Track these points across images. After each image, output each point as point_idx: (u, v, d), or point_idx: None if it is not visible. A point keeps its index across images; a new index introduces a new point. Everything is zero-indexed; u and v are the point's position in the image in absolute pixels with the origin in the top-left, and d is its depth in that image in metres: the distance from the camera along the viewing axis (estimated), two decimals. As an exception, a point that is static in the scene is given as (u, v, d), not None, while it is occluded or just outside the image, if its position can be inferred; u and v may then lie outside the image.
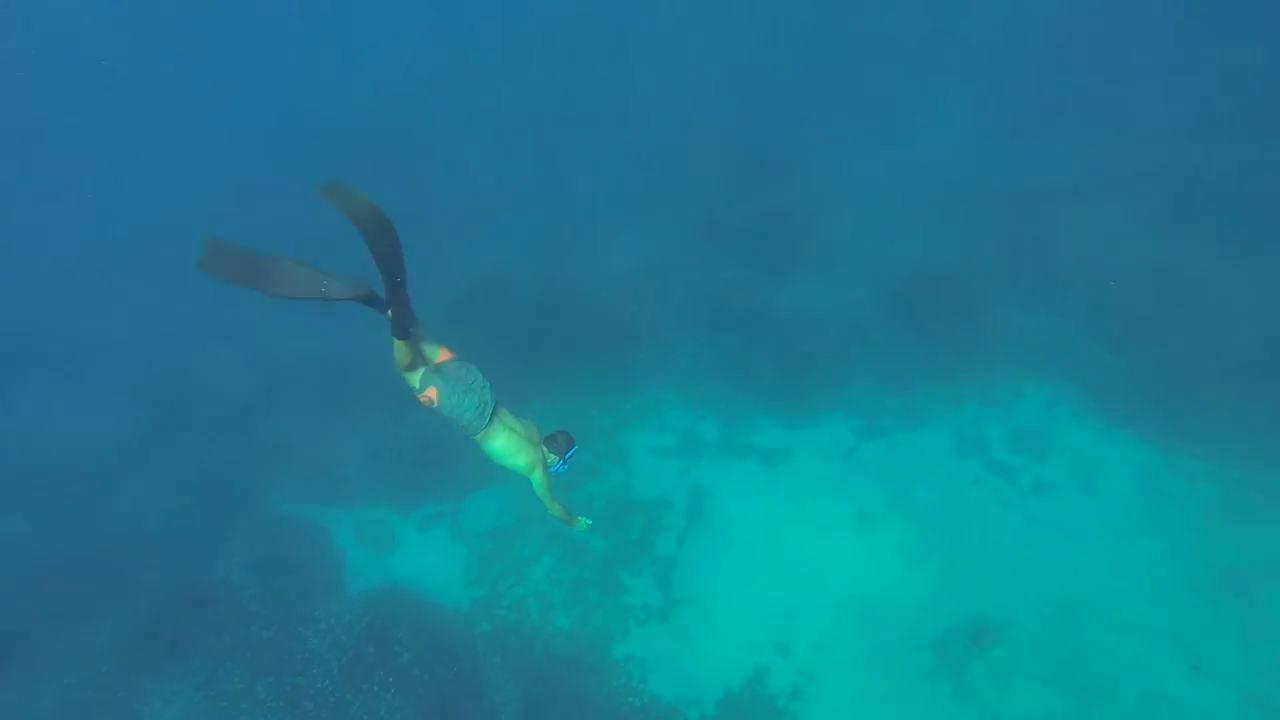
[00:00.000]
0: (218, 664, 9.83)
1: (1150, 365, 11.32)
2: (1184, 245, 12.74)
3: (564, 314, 13.94)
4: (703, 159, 17.58)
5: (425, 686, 9.27)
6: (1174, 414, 10.68)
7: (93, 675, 9.99)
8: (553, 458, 5.87)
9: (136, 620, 10.49)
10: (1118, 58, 17.08)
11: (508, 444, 5.63)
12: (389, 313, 5.02)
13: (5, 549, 12.03)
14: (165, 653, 10.07)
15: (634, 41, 23.17)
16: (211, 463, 13.15)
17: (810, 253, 14.61)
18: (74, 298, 18.33)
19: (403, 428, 12.63)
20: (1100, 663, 8.62)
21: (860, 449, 11.57)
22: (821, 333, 12.74)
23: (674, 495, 11.60)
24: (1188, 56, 16.42)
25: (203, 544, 11.61)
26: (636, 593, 10.50)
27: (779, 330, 13.02)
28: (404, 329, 5.08)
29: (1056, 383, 11.63)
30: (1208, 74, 15.87)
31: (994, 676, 8.66)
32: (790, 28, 22.19)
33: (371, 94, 24.64)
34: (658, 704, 9.26)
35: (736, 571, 10.43)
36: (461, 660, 9.64)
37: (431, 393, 5.30)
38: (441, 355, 5.50)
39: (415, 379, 5.33)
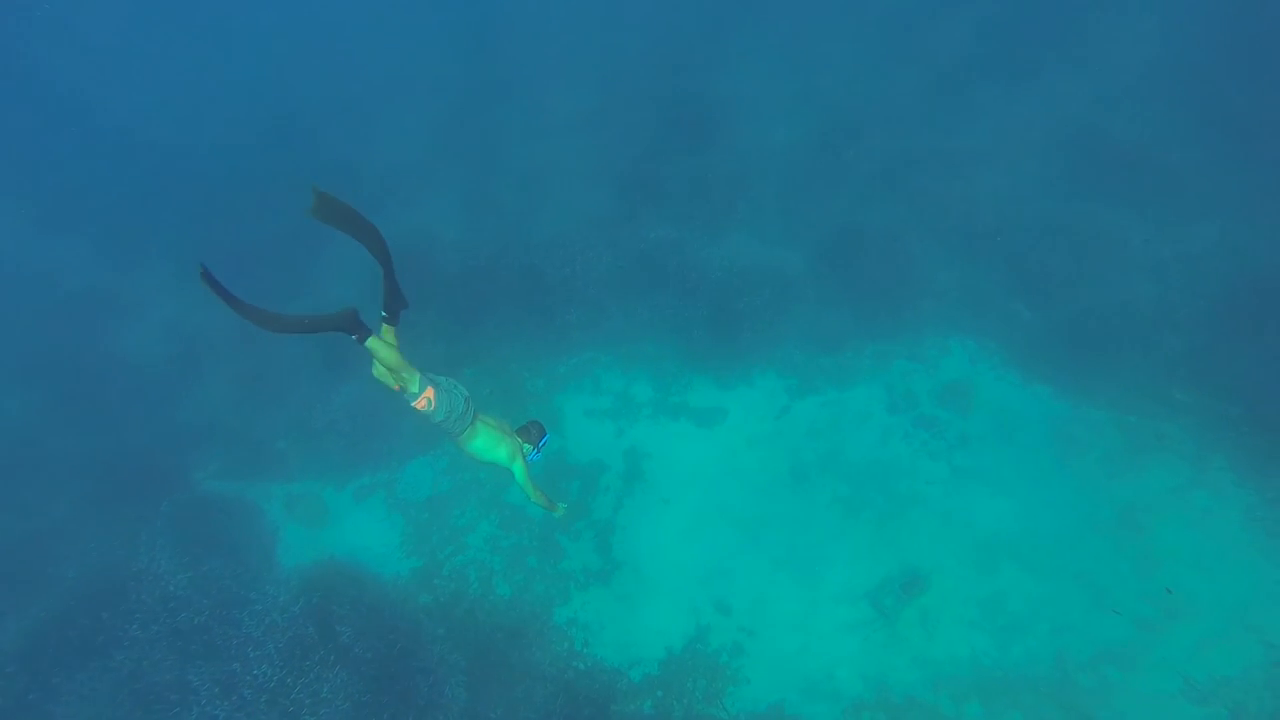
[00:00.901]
0: (143, 655, 9.13)
1: (1061, 320, 11.70)
2: (1090, 206, 13.18)
3: (492, 277, 13.36)
4: (630, 121, 17.08)
5: (368, 664, 8.87)
6: (1081, 367, 11.12)
7: (-4, 677, 9.19)
8: (528, 447, 6.18)
9: (46, 616, 9.59)
10: (1032, 27, 17.19)
11: (488, 440, 5.97)
12: (383, 305, 5.37)
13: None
14: (80, 648, 9.29)
15: (559, 2, 22.15)
16: (124, 443, 12.19)
17: (741, 213, 14.42)
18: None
19: (334, 399, 11.98)
20: (1017, 602, 8.99)
21: (793, 407, 11.62)
22: (753, 292, 12.58)
23: (610, 457, 11.42)
24: (1097, 26, 16.72)
25: (119, 530, 10.73)
26: (576, 557, 10.34)
27: (711, 290, 12.78)
28: (395, 313, 5.42)
29: (979, 338, 11.94)
30: (1116, 44, 16.23)
31: (923, 622, 8.92)
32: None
33: (291, 50, 23.00)
34: (601, 667, 9.19)
35: (675, 532, 10.37)
36: (404, 635, 9.26)
37: (430, 393, 5.58)
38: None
39: (414, 383, 5.54)
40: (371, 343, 5.19)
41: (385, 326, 5.43)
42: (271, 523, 11.22)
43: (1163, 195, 13.20)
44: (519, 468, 6.11)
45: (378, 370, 5.51)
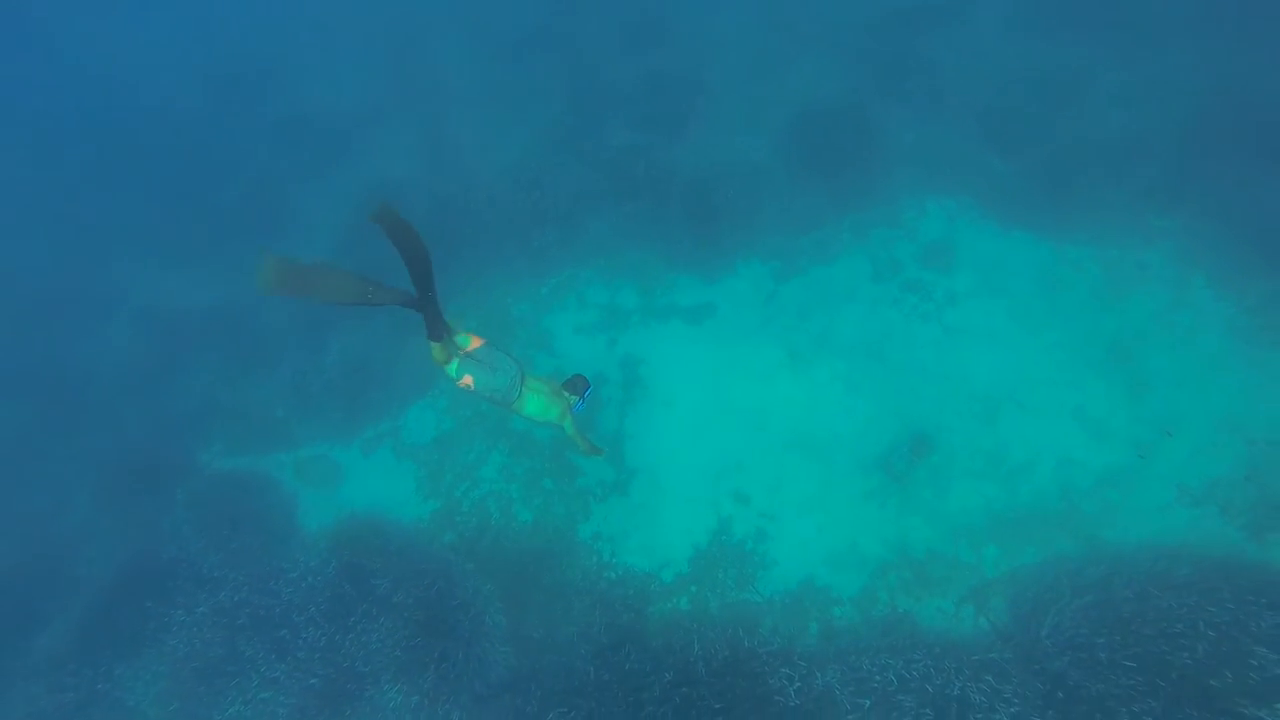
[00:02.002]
0: (194, 635, 9.10)
1: (1034, 164, 11.23)
2: (1052, 45, 12.54)
3: (463, 211, 12.66)
4: (576, 30, 15.94)
5: (410, 609, 8.86)
6: (1058, 208, 10.74)
7: (60, 677, 9.08)
8: (574, 399, 6.59)
9: (89, 615, 9.50)
10: None
11: (538, 403, 6.36)
12: (425, 319, 5.66)
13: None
14: (132, 638, 9.24)
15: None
16: (125, 439, 11.77)
17: (701, 107, 13.57)
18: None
19: (324, 359, 11.52)
20: (1020, 447, 9.01)
21: (780, 291, 11.26)
22: (725, 184, 11.98)
23: (607, 369, 11.11)
24: None
25: (141, 523, 10.49)
26: (590, 472, 10.16)
27: (682, 188, 12.17)
28: (438, 334, 5.75)
29: (955, 195, 11.45)
30: None
31: (934, 481, 8.95)
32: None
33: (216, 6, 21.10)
34: (632, 573, 9.21)
35: (682, 432, 10.19)
36: (437, 576, 9.21)
37: (468, 380, 5.95)
38: (474, 343, 6.09)
39: (452, 369, 5.95)
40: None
41: (432, 344, 5.85)
42: (288, 490, 10.93)
43: (1123, 24, 12.50)
44: (569, 423, 6.56)
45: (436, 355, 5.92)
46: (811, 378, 10.26)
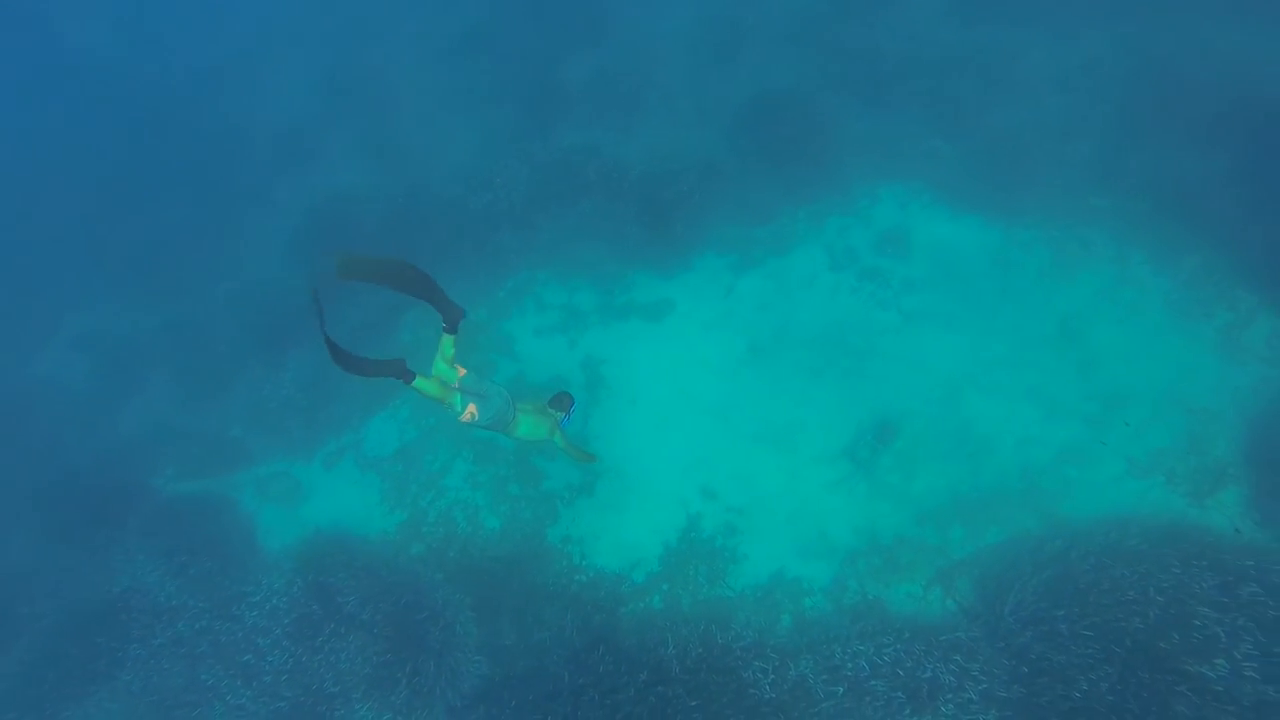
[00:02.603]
0: (150, 669, 8.93)
1: (979, 148, 11.50)
2: (988, 30, 12.88)
3: (413, 219, 12.58)
4: (517, 30, 15.86)
5: (379, 625, 8.79)
6: (1005, 190, 11.02)
7: (0, 721, 8.85)
8: (560, 415, 7.04)
9: (33, 656, 9.18)
10: None
11: (529, 424, 6.78)
12: (442, 322, 6.05)
13: None
14: (81, 676, 8.95)
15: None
16: (71, 469, 11.41)
17: (649, 102, 13.65)
18: None
19: (282, 375, 11.38)
20: (982, 426, 9.28)
21: (738, 284, 11.39)
22: (677, 178, 12.03)
23: (569, 370, 11.15)
24: None
25: (90, 555, 10.20)
26: (556, 475, 10.20)
27: (634, 185, 12.22)
28: (454, 323, 6.11)
29: (905, 181, 11.67)
30: None
31: (900, 466, 9.17)
32: None
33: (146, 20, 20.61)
34: (603, 575, 9.27)
35: (648, 430, 10.27)
36: (405, 589, 9.17)
37: (472, 409, 6.24)
38: (460, 373, 6.34)
39: (456, 402, 6.24)
40: (418, 383, 5.96)
41: (446, 336, 6.11)
42: (248, 511, 10.76)
43: (1051, 9, 12.89)
44: (558, 439, 7.07)
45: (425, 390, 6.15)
46: (774, 369, 10.41)
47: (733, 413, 10.18)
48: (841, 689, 7.27)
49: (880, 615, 8.13)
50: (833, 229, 11.52)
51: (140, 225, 15.06)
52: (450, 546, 9.84)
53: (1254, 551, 7.20)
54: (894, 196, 11.62)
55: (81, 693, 8.93)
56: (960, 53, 12.53)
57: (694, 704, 7.31)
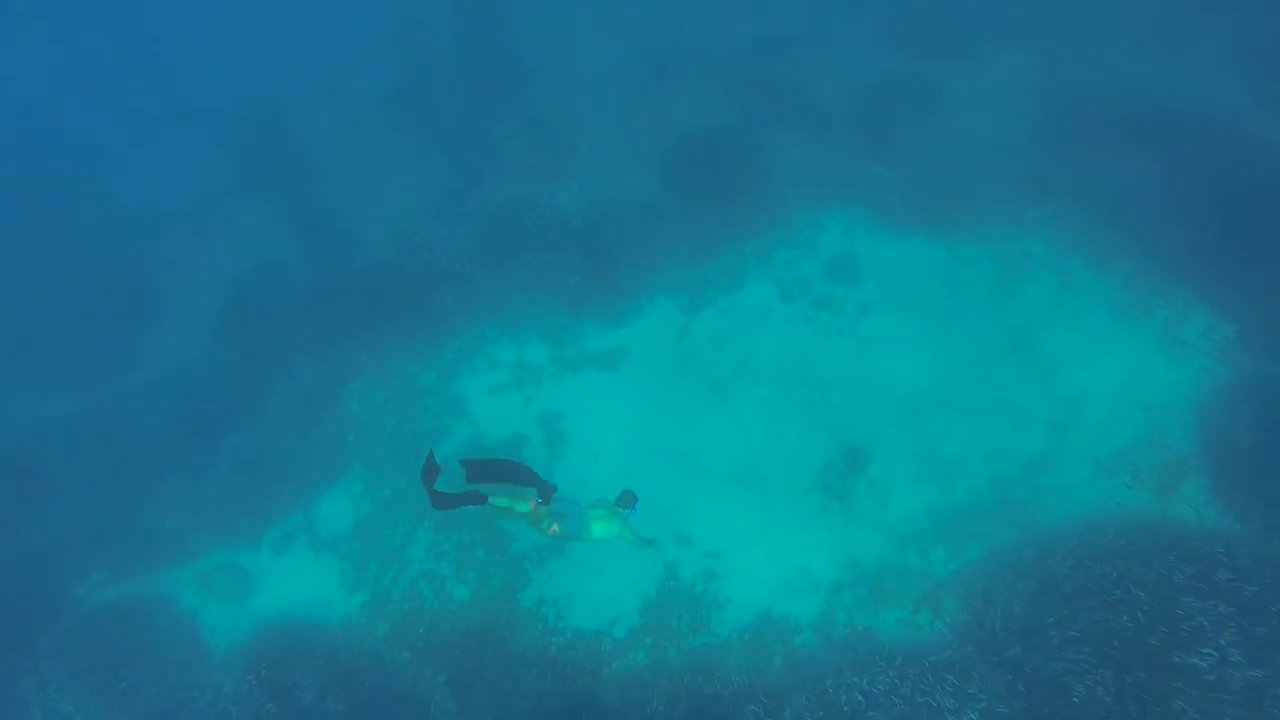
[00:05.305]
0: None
1: (916, 170, 12.44)
2: (912, 59, 14.00)
3: (349, 287, 12.76)
4: (440, 87, 16.50)
5: (344, 716, 8.62)
6: (945, 209, 11.87)
7: None
8: (625, 511, 8.19)
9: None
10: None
11: (604, 525, 8.12)
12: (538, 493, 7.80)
13: None
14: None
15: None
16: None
17: (583, 149, 14.28)
18: None
19: (217, 460, 11.19)
20: (950, 444, 9.77)
21: (691, 324, 11.81)
22: (616, 221, 12.56)
23: (526, 427, 11.29)
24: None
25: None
26: (524, 537, 10.20)
27: (575, 233, 12.65)
28: (548, 497, 7.80)
29: (847, 207, 12.44)
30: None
31: (874, 493, 9.53)
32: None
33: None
34: (582, 635, 9.28)
35: (614, 482, 10.29)
36: (370, 673, 9.03)
37: (555, 529, 7.82)
38: (553, 529, 7.86)
39: (542, 525, 7.85)
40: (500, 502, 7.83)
41: (540, 506, 7.82)
42: (188, 610, 10.41)
43: (971, 35, 14.17)
44: (628, 534, 8.33)
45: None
46: (736, 408, 10.77)
47: (699, 455, 10.43)
48: (840, 725, 7.39)
49: (871, 645, 8.33)
50: (781, 261, 12.10)
51: (51, 306, 14.67)
52: (418, 622, 9.72)
53: (1221, 537, 7.76)
54: (837, 223, 12.33)
55: None
56: (886, 81, 13.57)
57: (689, 759, 7.33)
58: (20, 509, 11.65)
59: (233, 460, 11.34)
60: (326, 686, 8.83)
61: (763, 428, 10.46)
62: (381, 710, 8.54)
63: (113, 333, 14.09)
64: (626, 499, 8.20)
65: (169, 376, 13.15)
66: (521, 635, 9.41)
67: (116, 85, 20.91)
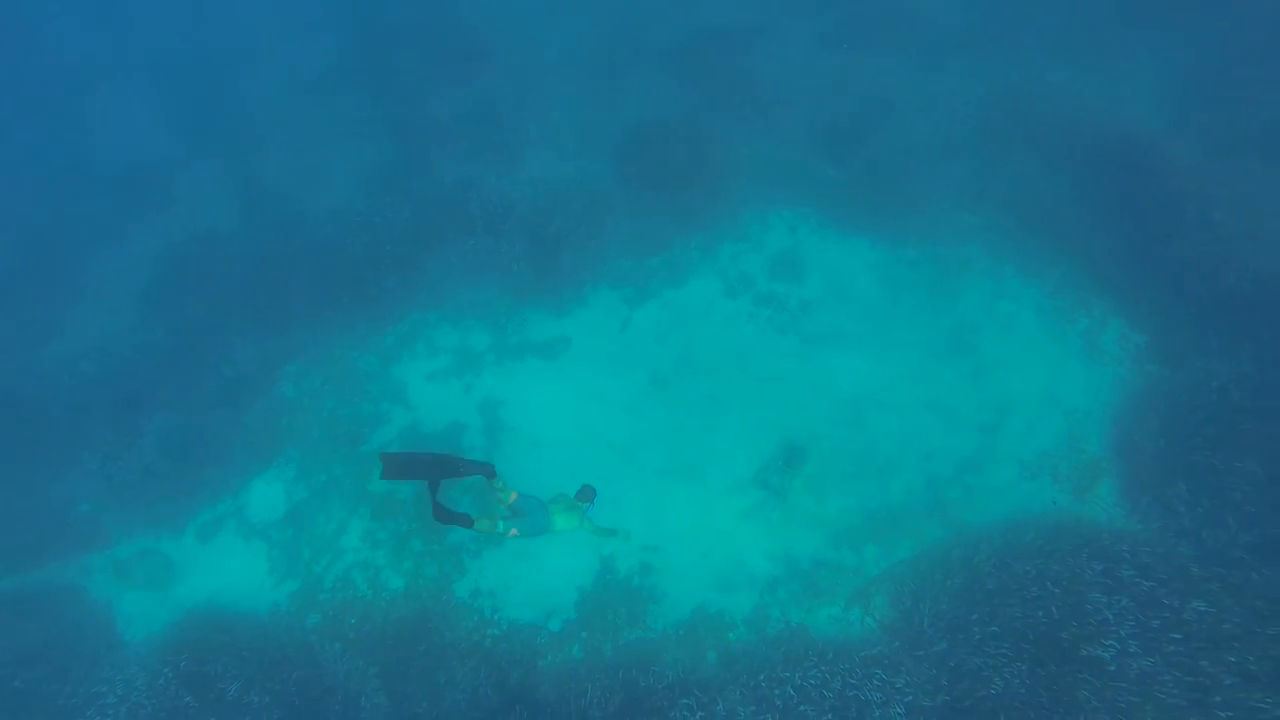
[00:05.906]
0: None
1: (860, 171, 12.71)
2: (859, 59, 14.25)
3: (288, 263, 12.41)
4: (390, 63, 16.04)
5: (268, 708, 8.43)
6: (888, 211, 12.18)
7: None
8: (584, 505, 8.53)
9: None
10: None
11: (564, 519, 8.39)
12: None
13: None
14: None
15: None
16: None
17: (531, 134, 14.15)
18: None
19: (139, 440, 10.76)
20: (887, 444, 10.09)
21: (634, 316, 11.89)
22: (564, 211, 12.50)
23: (466, 415, 11.22)
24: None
25: None
26: (460, 528, 10.22)
27: (521, 219, 12.56)
28: (490, 473, 8.23)
29: (794, 206, 12.65)
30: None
31: (812, 489, 9.79)
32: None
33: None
34: (517, 627, 9.32)
35: (552, 472, 10.34)
36: (298, 664, 8.86)
37: (514, 533, 8.18)
38: (511, 497, 8.24)
39: (499, 528, 8.17)
40: (480, 525, 8.18)
41: (491, 481, 8.29)
42: (100, 599, 10.02)
43: (916, 39, 14.50)
44: (588, 528, 8.61)
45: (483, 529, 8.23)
46: (677, 401, 10.90)
47: (638, 448, 10.54)
48: (771, 718, 7.60)
49: (804, 640, 8.60)
50: (726, 256, 12.26)
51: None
52: (350, 613, 9.61)
53: (1127, 536, 8.31)
54: (783, 221, 12.55)
55: None
56: (833, 80, 13.81)
57: (621, 752, 7.44)
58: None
59: (157, 442, 10.91)
60: (252, 678, 8.63)
61: (702, 422, 10.60)
62: (310, 703, 8.40)
63: (28, 298, 13.39)
64: (586, 493, 8.55)
65: (90, 349, 12.55)
66: (456, 626, 9.39)
67: (46, 27, 19.70)
